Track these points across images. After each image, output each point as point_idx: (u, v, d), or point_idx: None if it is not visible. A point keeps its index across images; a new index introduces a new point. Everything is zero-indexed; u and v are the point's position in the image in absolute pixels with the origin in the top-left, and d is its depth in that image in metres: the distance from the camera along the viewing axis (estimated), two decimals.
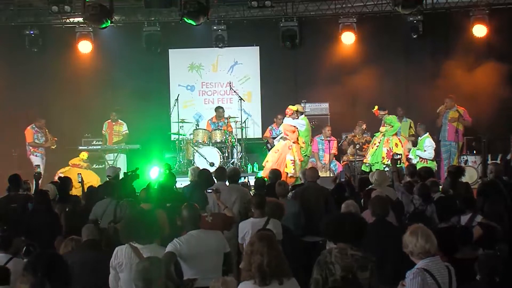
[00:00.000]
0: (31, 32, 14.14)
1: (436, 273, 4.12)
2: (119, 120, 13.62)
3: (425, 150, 11.93)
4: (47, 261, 3.52)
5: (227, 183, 7.78)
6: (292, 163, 11.29)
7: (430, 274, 4.10)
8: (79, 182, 9.33)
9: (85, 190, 8.95)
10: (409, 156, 12.05)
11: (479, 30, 13.21)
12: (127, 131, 13.63)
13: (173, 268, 5.01)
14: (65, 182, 8.48)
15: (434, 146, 12.05)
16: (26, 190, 8.68)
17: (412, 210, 6.94)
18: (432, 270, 4.12)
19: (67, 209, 7.51)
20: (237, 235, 6.31)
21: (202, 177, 8.03)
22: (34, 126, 12.82)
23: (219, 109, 13.65)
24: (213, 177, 8.11)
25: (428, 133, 12.13)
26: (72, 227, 6.62)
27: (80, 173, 9.82)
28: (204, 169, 8.72)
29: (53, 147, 12.93)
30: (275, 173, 8.80)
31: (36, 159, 12.71)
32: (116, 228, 6.13)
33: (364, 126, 12.72)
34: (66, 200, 7.94)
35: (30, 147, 12.86)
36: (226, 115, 13.64)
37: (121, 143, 13.50)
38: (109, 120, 13.59)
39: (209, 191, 6.90)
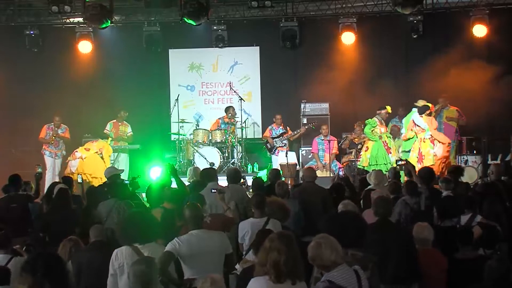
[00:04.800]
0: (31, 32, 14.15)
1: (341, 281, 3.98)
2: (124, 121, 13.60)
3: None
4: (46, 261, 3.51)
5: (220, 183, 7.79)
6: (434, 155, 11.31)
7: (335, 285, 3.96)
8: (80, 183, 9.31)
9: (85, 191, 8.93)
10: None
11: (479, 30, 13.21)
12: (132, 133, 13.60)
13: (174, 268, 5.00)
14: (68, 183, 8.48)
15: None
16: (28, 190, 8.68)
17: (408, 211, 6.89)
18: (337, 280, 3.98)
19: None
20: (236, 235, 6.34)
21: (205, 177, 8.04)
22: (51, 124, 12.97)
23: (229, 109, 13.53)
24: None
25: None
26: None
27: (81, 175, 9.82)
28: (206, 168, 8.72)
29: (51, 142, 12.90)
30: (274, 173, 8.82)
31: (46, 159, 12.83)
32: (113, 230, 6.14)
33: (363, 126, 12.69)
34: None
35: (43, 145, 12.99)
36: (221, 116, 13.65)
37: (125, 144, 13.47)
38: (115, 120, 13.55)
39: (214, 191, 6.89)
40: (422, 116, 11.28)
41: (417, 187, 7.31)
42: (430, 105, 11.47)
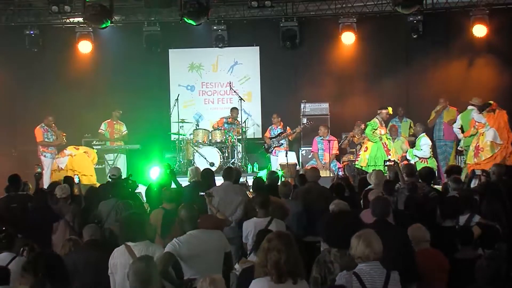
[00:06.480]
0: (31, 32, 14.14)
1: (366, 277, 4.15)
2: (119, 120, 13.61)
3: (421, 149, 11.92)
4: (47, 261, 3.52)
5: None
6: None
7: (358, 278, 4.13)
8: (76, 183, 9.32)
9: (81, 191, 8.94)
10: (407, 157, 12.05)
11: (479, 30, 13.20)
12: (127, 132, 13.61)
13: (172, 269, 5.01)
14: (68, 182, 8.49)
15: (430, 144, 12.03)
16: (26, 190, 8.68)
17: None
18: (362, 274, 4.15)
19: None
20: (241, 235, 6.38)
21: (205, 177, 8.06)
22: (43, 125, 12.63)
23: (232, 110, 13.52)
24: (214, 177, 8.18)
25: (424, 133, 12.12)
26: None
27: (78, 175, 9.84)
28: (206, 168, 8.72)
29: (64, 143, 12.71)
30: (271, 174, 8.85)
31: (46, 160, 12.50)
32: (111, 229, 6.16)
33: (362, 126, 12.68)
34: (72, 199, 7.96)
35: (40, 147, 12.61)
36: (225, 115, 13.66)
37: (121, 143, 13.49)
38: (109, 120, 13.55)
39: (202, 194, 6.86)
40: (482, 113, 11.38)
41: (395, 186, 7.33)
42: (492, 102, 11.52)
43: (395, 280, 4.25)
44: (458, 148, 12.32)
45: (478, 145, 11.26)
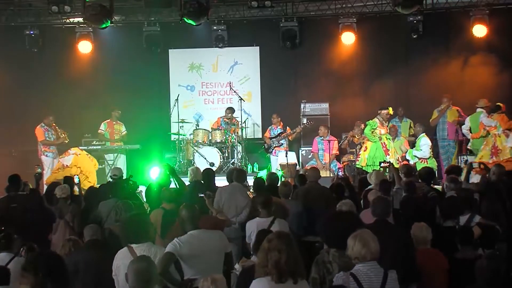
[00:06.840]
0: (31, 32, 14.15)
1: (363, 277, 4.14)
2: (118, 120, 13.60)
3: (421, 149, 11.92)
4: (48, 261, 3.52)
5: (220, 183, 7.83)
6: None
7: (355, 278, 4.13)
8: (76, 183, 9.33)
9: (82, 191, 8.94)
10: (406, 157, 12.05)
11: (479, 30, 13.21)
12: (126, 132, 13.59)
13: (173, 268, 5.01)
14: (68, 182, 8.49)
15: (430, 144, 12.02)
16: (26, 191, 8.67)
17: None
18: (359, 275, 4.15)
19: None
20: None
21: (206, 177, 8.07)
22: (43, 125, 12.59)
23: (227, 110, 13.55)
24: (215, 177, 8.20)
25: (424, 133, 12.12)
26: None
27: (78, 175, 9.83)
28: (207, 168, 8.73)
29: (66, 141, 12.66)
30: (272, 175, 8.86)
31: (47, 160, 12.48)
32: (111, 229, 6.16)
33: (362, 126, 12.68)
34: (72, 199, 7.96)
35: (42, 147, 12.58)
36: (222, 115, 13.66)
37: (120, 143, 13.47)
38: (109, 120, 13.53)
39: (201, 195, 6.85)
40: (492, 115, 11.37)
41: (391, 186, 7.35)
42: (501, 104, 11.50)
43: (393, 279, 4.24)
44: (467, 147, 12.29)
45: (497, 146, 11.23)
